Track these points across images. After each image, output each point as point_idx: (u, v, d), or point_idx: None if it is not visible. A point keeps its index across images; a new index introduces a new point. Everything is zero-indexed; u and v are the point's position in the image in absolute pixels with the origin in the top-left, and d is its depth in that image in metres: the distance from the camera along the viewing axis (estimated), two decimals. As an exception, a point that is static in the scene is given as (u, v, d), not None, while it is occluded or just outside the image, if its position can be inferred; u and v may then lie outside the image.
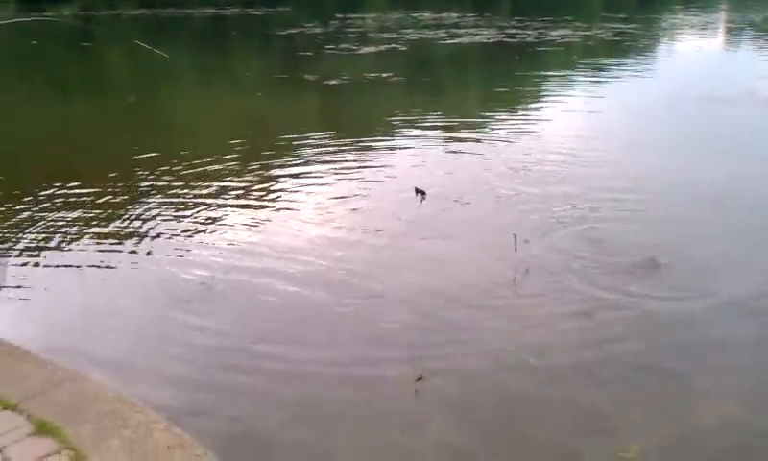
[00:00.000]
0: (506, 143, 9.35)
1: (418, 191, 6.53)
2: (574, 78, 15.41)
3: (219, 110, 12.53)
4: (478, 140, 9.55)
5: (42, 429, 3.11)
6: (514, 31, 24.59)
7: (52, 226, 6.40)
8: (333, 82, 14.75)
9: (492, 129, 10.37)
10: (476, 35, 23.69)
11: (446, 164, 8.40)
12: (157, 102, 13.21)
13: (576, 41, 21.86)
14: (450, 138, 9.74)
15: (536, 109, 12.09)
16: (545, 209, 6.64)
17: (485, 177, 7.72)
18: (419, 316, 4.74)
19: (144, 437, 3.15)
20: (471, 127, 10.47)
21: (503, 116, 11.37)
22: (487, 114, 11.70)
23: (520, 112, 11.68)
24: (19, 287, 5.25)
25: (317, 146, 9.32)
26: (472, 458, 3.45)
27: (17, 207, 6.89)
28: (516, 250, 5.62)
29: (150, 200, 7.12)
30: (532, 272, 5.37)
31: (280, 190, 7.47)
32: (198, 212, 6.79)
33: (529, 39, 22.09)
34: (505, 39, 22.33)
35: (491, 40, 22.21)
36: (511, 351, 4.29)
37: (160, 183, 7.66)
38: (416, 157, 8.66)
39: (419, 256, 5.71)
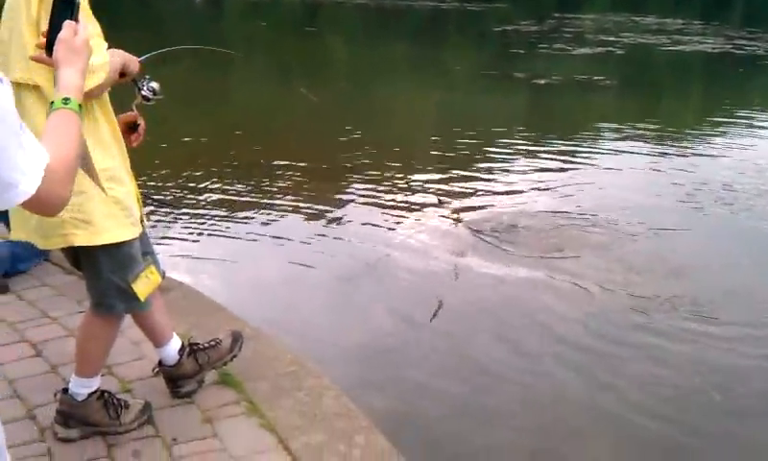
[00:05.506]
0: (709, 164, 8.77)
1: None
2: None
3: (424, 103, 12.77)
4: (683, 155, 9.07)
5: (225, 381, 3.38)
6: (743, 42, 23.00)
7: (259, 199, 6.87)
8: (542, 81, 14.56)
9: (701, 146, 9.75)
10: (700, 43, 22.41)
11: (642, 178, 8.04)
12: (366, 90, 13.68)
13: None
14: (656, 151, 9.31)
15: (755, 129, 11.21)
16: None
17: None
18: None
19: (315, 401, 3.33)
20: (680, 140, 9.96)
21: (717, 134, 10.65)
22: (699, 129, 11.03)
23: (737, 132, 10.88)
24: (224, 253, 5.70)
25: (517, 146, 9.27)
26: None
27: (233, 183, 7.42)
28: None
29: (347, 182, 7.46)
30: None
31: (464, 189, 7.52)
32: (388, 197, 7.04)
33: (759, 52, 20.58)
34: (732, 50, 20.95)
35: (715, 50, 20.94)
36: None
37: (358, 167, 8.02)
38: (616, 171, 8.34)
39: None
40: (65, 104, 1.58)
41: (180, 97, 9.95)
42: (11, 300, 4.13)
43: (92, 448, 2.91)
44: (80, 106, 1.60)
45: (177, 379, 3.23)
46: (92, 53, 1.75)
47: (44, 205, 1.47)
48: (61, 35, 1.67)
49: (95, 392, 2.94)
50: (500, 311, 4.87)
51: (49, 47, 1.70)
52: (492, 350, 4.35)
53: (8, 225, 3.50)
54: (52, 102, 1.60)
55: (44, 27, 1.74)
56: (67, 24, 1.68)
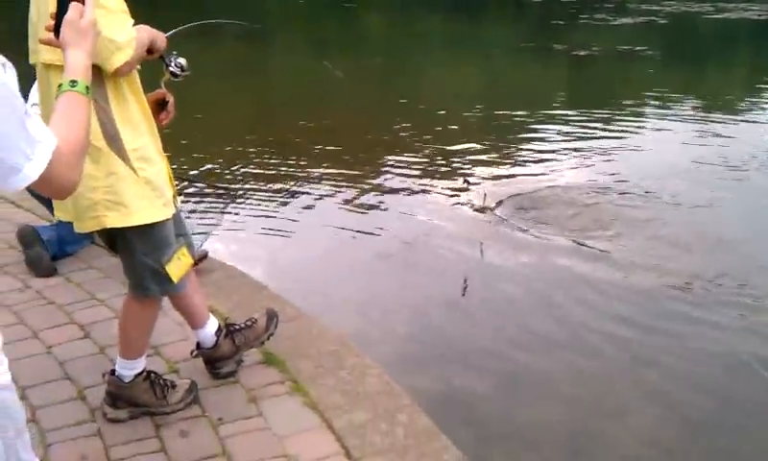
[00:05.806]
0: (755, 134, 8.51)
1: None
2: None
3: (462, 75, 12.67)
4: (728, 124, 8.86)
5: (268, 360, 3.42)
6: (792, 7, 22.32)
7: (296, 176, 6.90)
8: (582, 52, 14.34)
9: (746, 115, 9.52)
10: (746, 10, 21.82)
11: (686, 148, 7.87)
12: (404, 64, 13.60)
13: None
14: (700, 121, 9.12)
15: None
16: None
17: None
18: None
19: (358, 380, 3.35)
20: (724, 110, 9.73)
21: (763, 102, 10.39)
22: (744, 99, 10.75)
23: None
24: (263, 230, 5.76)
25: (556, 119, 9.16)
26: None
27: (270, 159, 7.46)
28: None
29: (384, 158, 7.46)
30: None
31: (503, 162, 7.47)
32: (426, 171, 7.07)
33: (808, 17, 19.99)
34: (780, 16, 20.38)
35: (762, 17, 20.37)
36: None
37: (395, 141, 8.04)
38: (658, 142, 8.17)
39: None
40: (72, 86, 1.58)
41: (215, 73, 10.02)
42: (59, 282, 4.22)
43: (141, 428, 2.97)
44: (87, 88, 1.60)
45: (215, 361, 3.25)
46: (100, 33, 1.73)
47: (53, 188, 1.49)
48: (68, 16, 1.67)
49: (141, 373, 3.00)
50: (540, 291, 4.85)
51: (56, 29, 1.70)
52: (531, 329, 4.34)
53: (51, 208, 3.56)
54: (59, 85, 1.60)
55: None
56: (73, 5, 1.68)
